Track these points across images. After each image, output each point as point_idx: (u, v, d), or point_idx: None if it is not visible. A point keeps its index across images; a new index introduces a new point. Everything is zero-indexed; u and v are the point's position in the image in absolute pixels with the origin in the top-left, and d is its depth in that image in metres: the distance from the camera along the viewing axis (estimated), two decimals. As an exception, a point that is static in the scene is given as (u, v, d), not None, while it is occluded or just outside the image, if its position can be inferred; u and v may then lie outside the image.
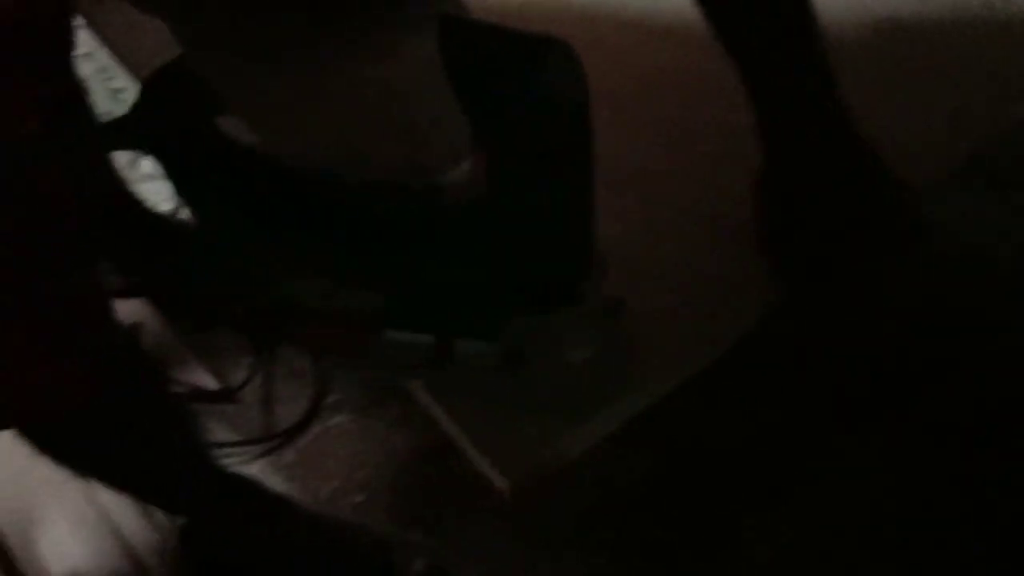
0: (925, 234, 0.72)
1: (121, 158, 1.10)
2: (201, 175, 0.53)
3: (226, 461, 1.04)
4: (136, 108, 0.51)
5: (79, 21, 0.69)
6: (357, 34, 0.38)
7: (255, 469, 1.04)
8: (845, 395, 0.94)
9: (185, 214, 0.66)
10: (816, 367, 0.94)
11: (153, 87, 0.50)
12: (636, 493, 0.89)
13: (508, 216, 0.45)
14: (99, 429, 0.76)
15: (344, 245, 0.51)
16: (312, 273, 0.55)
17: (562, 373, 0.55)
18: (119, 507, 1.01)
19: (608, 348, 0.56)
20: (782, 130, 0.68)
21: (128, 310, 1.16)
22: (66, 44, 0.59)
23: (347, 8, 0.37)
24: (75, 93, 0.71)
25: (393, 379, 0.59)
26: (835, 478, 0.91)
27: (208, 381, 1.12)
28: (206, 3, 0.39)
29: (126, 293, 1.11)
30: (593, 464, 0.78)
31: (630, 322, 0.58)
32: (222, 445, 1.07)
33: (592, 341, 0.55)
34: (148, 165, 1.04)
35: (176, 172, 0.54)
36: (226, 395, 1.11)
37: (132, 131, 0.54)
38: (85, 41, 1.36)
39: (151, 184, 1.12)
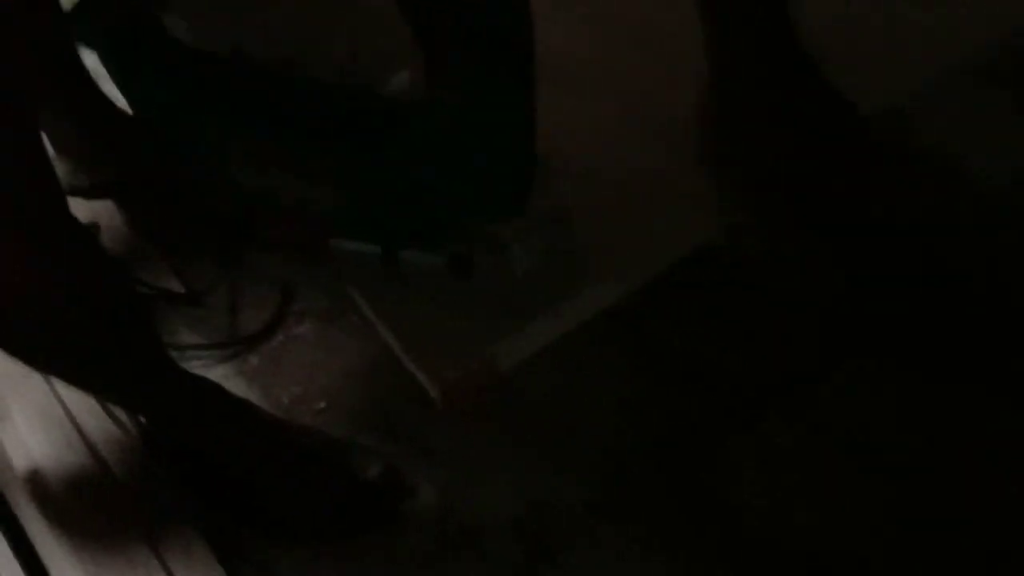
0: (869, 154, 0.72)
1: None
2: (148, 73, 0.52)
3: (190, 364, 1.06)
4: (81, 4, 0.50)
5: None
6: None
7: (218, 373, 1.05)
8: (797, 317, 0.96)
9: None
10: (766, 284, 0.96)
11: None
12: (560, 407, 0.92)
13: (448, 123, 0.45)
14: (58, 324, 0.76)
15: (291, 142, 0.51)
16: (267, 169, 0.55)
17: (507, 281, 0.56)
18: (81, 403, 1.02)
19: (552, 257, 0.56)
20: (728, 45, 0.68)
21: (94, 210, 1.16)
22: None
23: None
24: None
25: (343, 287, 0.60)
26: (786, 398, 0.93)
27: (174, 284, 1.13)
28: None
29: (92, 192, 1.11)
30: (526, 375, 0.81)
31: (576, 230, 0.58)
32: (186, 348, 1.08)
33: (536, 249, 0.55)
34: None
35: (122, 70, 0.53)
36: (192, 298, 1.11)
37: (78, 27, 0.53)
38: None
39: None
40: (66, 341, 0.79)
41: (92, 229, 0.81)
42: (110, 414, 1.01)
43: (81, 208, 1.09)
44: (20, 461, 1.00)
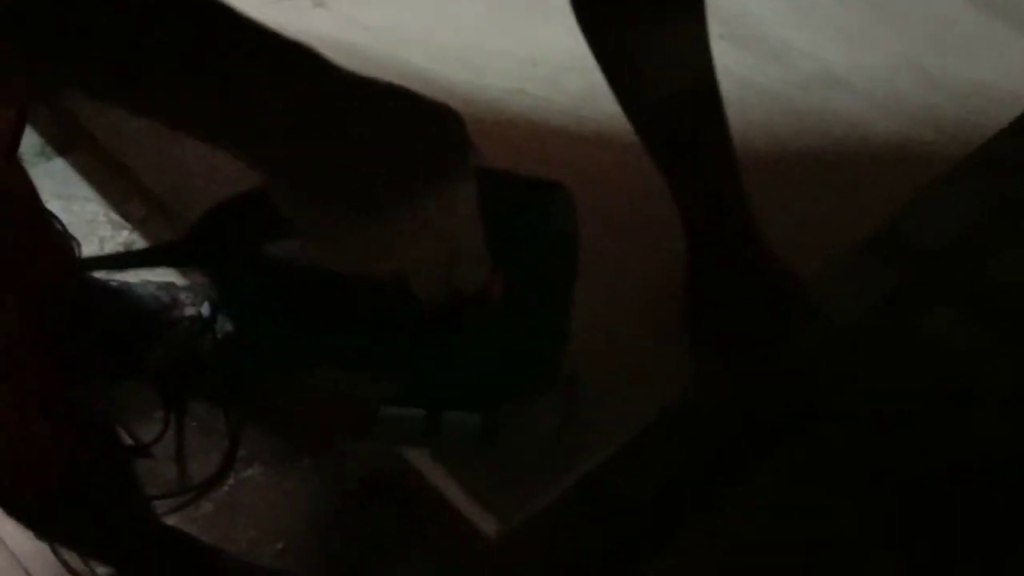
0: (809, 316, 0.89)
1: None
2: (246, 290, 0.60)
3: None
4: (195, 233, 0.57)
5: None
6: (422, 184, 0.48)
7: (173, 521, 1.09)
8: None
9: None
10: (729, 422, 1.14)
11: (214, 215, 0.57)
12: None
13: (511, 324, 0.57)
14: (57, 483, 0.81)
15: (372, 341, 0.60)
16: (330, 364, 0.64)
17: (531, 440, 0.67)
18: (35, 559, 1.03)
19: (567, 416, 0.68)
20: (699, 233, 0.84)
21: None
22: None
23: (422, 163, 0.47)
24: None
25: (389, 448, 0.69)
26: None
27: (121, 436, 1.16)
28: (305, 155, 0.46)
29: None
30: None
31: (578, 391, 0.71)
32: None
33: (557, 411, 0.67)
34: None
35: (223, 286, 0.61)
36: (141, 450, 1.14)
37: (186, 254, 0.60)
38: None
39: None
40: (68, 504, 0.83)
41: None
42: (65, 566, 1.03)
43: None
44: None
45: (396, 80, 0.51)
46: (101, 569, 1.01)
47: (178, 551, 0.96)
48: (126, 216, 1.36)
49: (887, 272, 1.35)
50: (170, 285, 1.26)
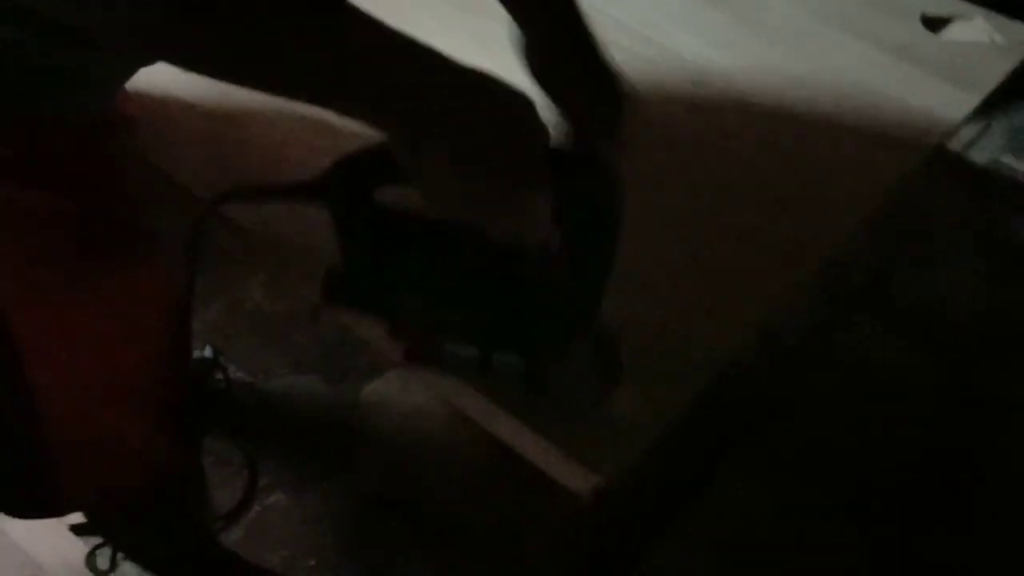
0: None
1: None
2: (358, 226, 0.72)
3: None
4: (324, 176, 0.69)
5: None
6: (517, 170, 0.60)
7: (208, 548, 1.16)
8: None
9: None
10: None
11: (341, 163, 0.69)
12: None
13: (566, 271, 0.70)
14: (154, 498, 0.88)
15: (453, 279, 0.72)
16: (413, 293, 0.75)
17: (572, 393, 0.77)
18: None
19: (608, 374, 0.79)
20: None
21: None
22: None
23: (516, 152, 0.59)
24: None
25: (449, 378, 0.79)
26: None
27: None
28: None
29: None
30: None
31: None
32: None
33: (597, 366, 0.78)
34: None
35: (346, 232, 0.72)
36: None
37: (317, 192, 0.70)
38: None
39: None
40: (147, 508, 0.90)
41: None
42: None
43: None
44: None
45: None
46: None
47: (232, 568, 1.04)
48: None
49: (818, 295, 1.55)
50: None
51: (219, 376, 1.33)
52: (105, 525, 0.89)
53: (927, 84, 1.07)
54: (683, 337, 0.79)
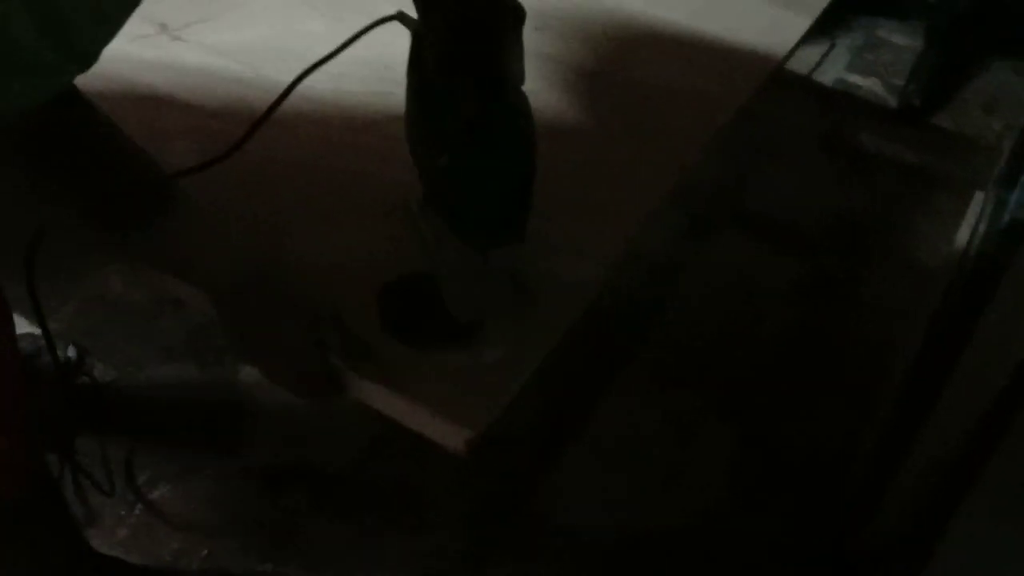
0: None
1: None
2: None
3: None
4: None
5: None
6: None
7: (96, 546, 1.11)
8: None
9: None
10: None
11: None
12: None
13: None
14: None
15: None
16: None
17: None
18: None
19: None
20: None
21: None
22: None
23: None
24: None
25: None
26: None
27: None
28: None
29: None
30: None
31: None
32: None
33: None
34: None
35: None
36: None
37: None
38: None
39: None
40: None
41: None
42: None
43: None
44: None
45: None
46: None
47: (114, 574, 1.01)
48: None
49: (679, 211, 1.59)
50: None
51: (84, 376, 1.27)
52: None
53: (760, 10, 1.10)
54: (551, 271, 0.80)
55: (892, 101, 1.94)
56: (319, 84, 0.81)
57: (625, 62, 1.03)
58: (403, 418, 0.73)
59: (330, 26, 0.99)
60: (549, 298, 0.78)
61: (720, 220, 1.64)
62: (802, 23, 1.09)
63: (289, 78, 0.82)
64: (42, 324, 0.80)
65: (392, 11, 0.76)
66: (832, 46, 2.08)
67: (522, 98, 0.71)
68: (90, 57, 0.55)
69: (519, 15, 0.71)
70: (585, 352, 1.35)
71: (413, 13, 0.79)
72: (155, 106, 0.89)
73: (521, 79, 0.71)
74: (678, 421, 1.32)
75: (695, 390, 1.35)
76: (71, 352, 1.29)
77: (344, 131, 0.94)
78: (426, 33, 0.74)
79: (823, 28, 1.09)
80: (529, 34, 0.70)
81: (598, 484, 1.25)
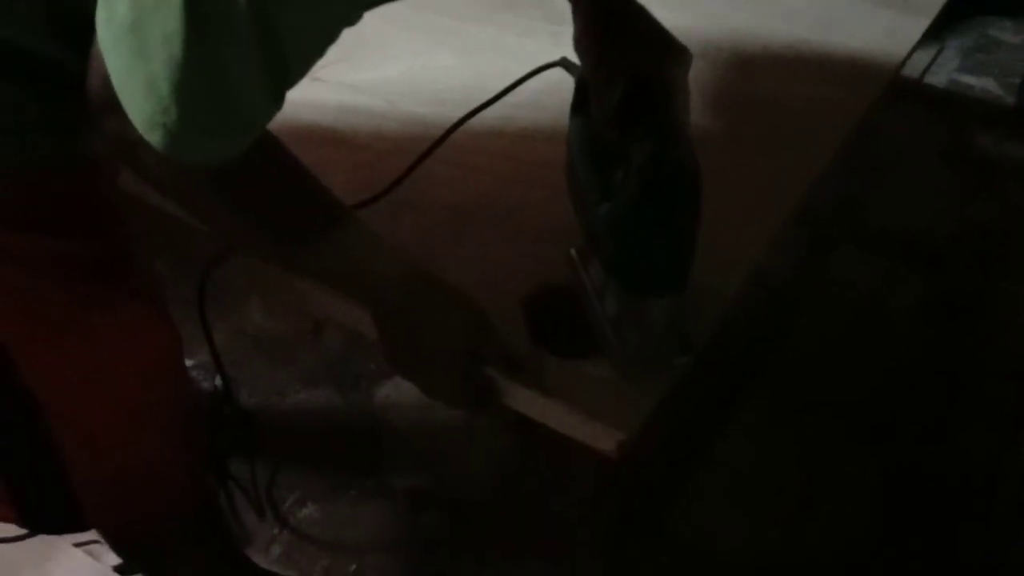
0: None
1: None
2: None
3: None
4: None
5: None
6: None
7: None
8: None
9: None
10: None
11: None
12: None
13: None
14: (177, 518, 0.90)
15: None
16: None
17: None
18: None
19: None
20: None
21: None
22: None
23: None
24: None
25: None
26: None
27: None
28: None
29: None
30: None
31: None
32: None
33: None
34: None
35: None
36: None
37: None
38: None
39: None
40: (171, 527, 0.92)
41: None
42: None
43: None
44: None
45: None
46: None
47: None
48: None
49: (800, 230, 1.58)
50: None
51: (231, 406, 1.35)
52: (141, 558, 0.91)
53: (875, 16, 1.11)
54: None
55: (1009, 99, 1.90)
56: (452, 112, 0.85)
57: (748, 78, 1.04)
58: (556, 423, 0.75)
59: (456, 63, 1.03)
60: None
61: (840, 237, 1.62)
62: (918, 25, 1.09)
63: (418, 109, 0.86)
64: (212, 348, 0.86)
65: (522, 50, 0.78)
66: (942, 48, 2.05)
67: (690, 147, 0.68)
68: (284, 96, 0.57)
69: (687, 59, 0.70)
70: (711, 375, 1.36)
71: (549, 52, 0.81)
72: (297, 143, 0.95)
73: (688, 126, 0.70)
74: (811, 445, 1.31)
75: (827, 413, 1.35)
76: (218, 382, 1.37)
77: (506, 167, 0.97)
78: (594, 81, 0.74)
79: (931, 30, 1.09)
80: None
81: (730, 508, 1.25)
